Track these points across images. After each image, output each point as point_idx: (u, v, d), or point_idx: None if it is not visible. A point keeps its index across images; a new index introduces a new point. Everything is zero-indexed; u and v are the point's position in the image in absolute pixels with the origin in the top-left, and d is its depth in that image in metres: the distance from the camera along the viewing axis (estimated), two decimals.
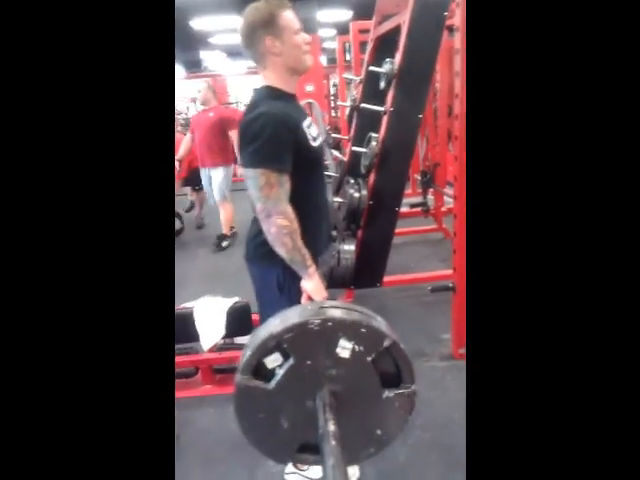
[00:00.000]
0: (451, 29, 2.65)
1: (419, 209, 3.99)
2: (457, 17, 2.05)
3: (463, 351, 2.27)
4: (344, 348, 0.85)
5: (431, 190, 4.04)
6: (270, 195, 1.24)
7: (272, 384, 0.85)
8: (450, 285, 2.25)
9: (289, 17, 1.32)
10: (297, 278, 1.35)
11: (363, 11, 5.81)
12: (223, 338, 2.29)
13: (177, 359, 2.25)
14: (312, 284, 1.34)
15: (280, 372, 0.85)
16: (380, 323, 0.87)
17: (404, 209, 3.99)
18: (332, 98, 10.00)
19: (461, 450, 1.73)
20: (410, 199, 4.24)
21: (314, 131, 1.41)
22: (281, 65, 1.33)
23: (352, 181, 2.85)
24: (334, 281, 2.72)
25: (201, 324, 2.28)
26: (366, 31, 3.85)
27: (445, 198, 4.01)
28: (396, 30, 2.83)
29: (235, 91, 13.33)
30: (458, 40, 2.03)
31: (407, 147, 2.65)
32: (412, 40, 2.49)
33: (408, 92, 2.56)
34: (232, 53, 13.96)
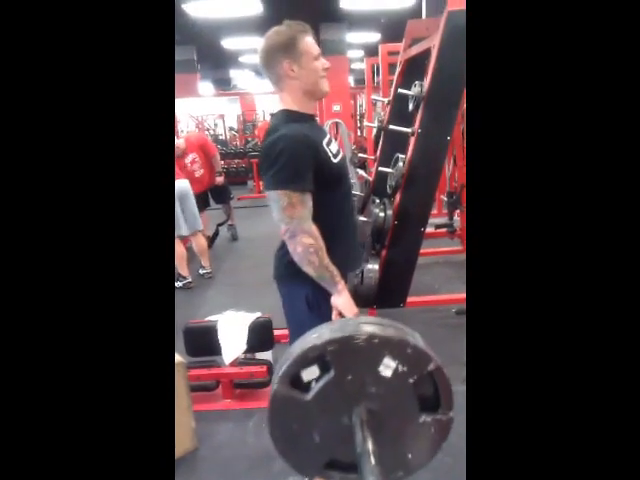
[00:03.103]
0: None
1: (444, 230, 3.97)
2: None
3: None
4: (387, 367, 0.83)
5: (457, 211, 4.02)
6: (293, 215, 1.27)
7: (310, 395, 0.83)
8: None
9: (309, 42, 1.35)
10: (327, 297, 1.36)
11: (391, 33, 5.89)
12: (244, 353, 2.31)
13: (199, 372, 2.27)
14: (342, 300, 1.35)
15: (319, 384, 0.83)
16: (425, 345, 0.86)
17: (429, 229, 3.97)
18: (358, 118, 10.09)
19: None
20: (436, 219, 4.22)
21: (334, 148, 1.43)
22: (298, 88, 1.36)
23: (377, 201, 2.86)
24: (357, 300, 2.71)
25: (224, 338, 2.30)
26: (395, 53, 3.91)
27: None
28: (426, 53, 2.86)
29: (262, 108, 13.58)
30: None
31: (434, 169, 2.65)
32: (442, 64, 2.52)
33: (436, 115, 2.58)
34: (260, 72, 14.23)
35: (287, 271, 1.42)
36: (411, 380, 0.84)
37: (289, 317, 1.51)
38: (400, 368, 0.83)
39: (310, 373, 0.84)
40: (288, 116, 1.38)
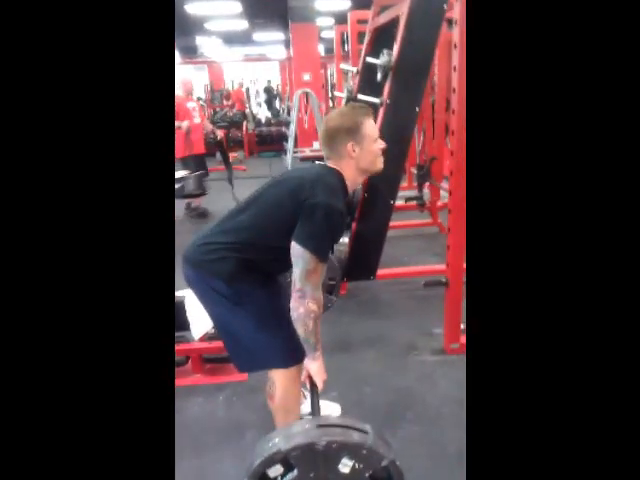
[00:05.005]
0: (450, 22, 2.63)
1: (414, 203, 3.98)
2: (456, 10, 2.03)
3: (455, 346, 2.28)
4: (345, 465, 0.96)
5: (427, 184, 4.03)
6: (312, 280, 1.35)
7: None
8: (443, 280, 2.25)
9: (371, 125, 1.48)
10: (250, 289, 1.44)
11: (362, 1, 5.76)
12: (213, 327, 2.28)
13: None
14: (316, 366, 1.43)
15: None
16: (380, 442, 0.99)
17: (399, 202, 3.98)
18: (330, 88, 9.94)
19: (449, 444, 1.74)
20: (406, 192, 4.23)
21: None
22: (354, 167, 1.48)
23: None
24: (327, 272, 2.71)
25: (192, 313, 2.27)
26: (365, 21, 3.81)
27: (441, 192, 4.00)
28: (394, 21, 2.80)
29: (231, 77, 13.23)
30: (456, 34, 2.01)
31: (403, 140, 2.63)
32: (410, 32, 2.47)
33: (405, 85, 2.54)
34: (228, 40, 13.81)
35: (207, 258, 1.43)
36: (367, 474, 0.98)
37: (210, 310, 1.53)
38: (357, 466, 0.97)
39: (275, 470, 0.98)
40: (343, 187, 1.48)
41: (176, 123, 4.63)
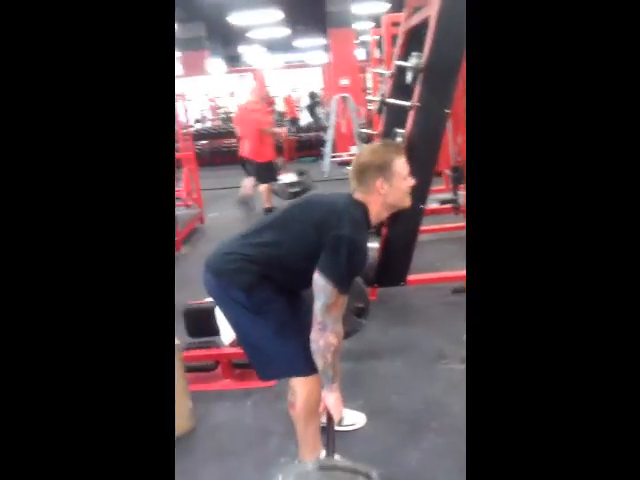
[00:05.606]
0: None
1: (449, 205, 3.90)
2: None
3: None
4: None
5: (462, 186, 3.94)
6: (333, 313, 1.36)
7: None
8: None
9: (401, 163, 1.49)
10: (270, 297, 1.45)
11: (400, 2, 5.70)
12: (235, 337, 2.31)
13: (197, 353, 2.29)
14: (333, 398, 1.44)
15: None
16: None
17: (435, 206, 3.91)
18: (368, 92, 9.90)
19: None
20: (442, 195, 4.14)
21: None
22: (381, 202, 1.49)
23: None
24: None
25: (222, 318, 2.30)
26: (399, 24, 3.78)
27: None
28: (426, 23, 2.76)
29: (274, 85, 13.38)
30: None
31: (433, 143, 2.58)
32: (440, 33, 2.43)
33: (435, 86, 2.50)
34: (271, 47, 14.03)
35: (229, 267, 1.45)
36: None
37: (230, 321, 1.55)
38: None
39: None
40: (366, 221, 1.49)
41: (275, 129, 5.43)
